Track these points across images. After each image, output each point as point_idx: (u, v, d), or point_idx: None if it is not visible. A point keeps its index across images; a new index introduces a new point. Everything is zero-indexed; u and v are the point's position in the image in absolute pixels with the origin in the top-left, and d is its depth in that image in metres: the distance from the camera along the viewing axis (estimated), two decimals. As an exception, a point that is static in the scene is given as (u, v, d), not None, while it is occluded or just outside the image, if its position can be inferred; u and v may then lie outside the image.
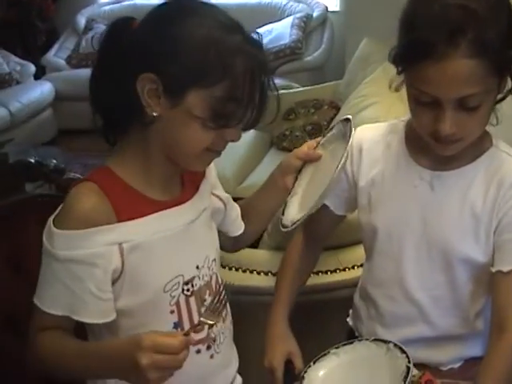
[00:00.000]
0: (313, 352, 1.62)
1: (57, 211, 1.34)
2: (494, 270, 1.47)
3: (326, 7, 6.66)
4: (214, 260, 1.49)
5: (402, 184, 1.57)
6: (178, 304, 1.39)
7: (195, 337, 1.39)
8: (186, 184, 1.45)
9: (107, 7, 7.41)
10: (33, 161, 1.86)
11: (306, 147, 1.59)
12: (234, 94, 1.27)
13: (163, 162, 1.37)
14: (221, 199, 1.58)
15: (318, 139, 1.60)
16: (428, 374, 1.52)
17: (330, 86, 4.56)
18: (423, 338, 1.61)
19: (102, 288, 1.30)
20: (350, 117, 1.55)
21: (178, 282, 1.38)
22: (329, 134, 1.59)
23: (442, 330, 1.60)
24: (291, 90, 4.72)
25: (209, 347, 1.45)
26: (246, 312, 2.17)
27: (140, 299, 1.35)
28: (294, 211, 1.55)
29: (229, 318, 1.54)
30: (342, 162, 1.45)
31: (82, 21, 7.17)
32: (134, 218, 1.32)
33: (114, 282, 1.32)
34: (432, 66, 1.33)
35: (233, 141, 1.37)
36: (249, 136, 4.39)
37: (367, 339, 1.61)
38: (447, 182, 1.52)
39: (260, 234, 1.71)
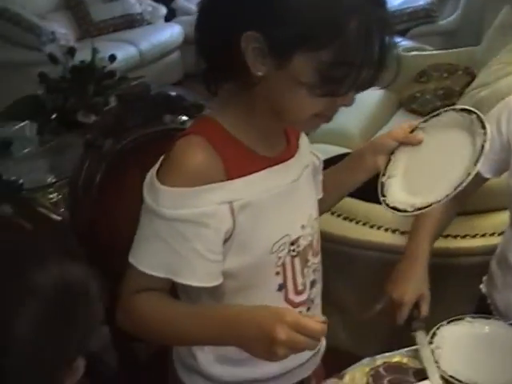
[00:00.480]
0: (440, 315, 1.58)
1: (159, 164, 1.28)
2: None
3: (465, -28, 6.44)
4: (316, 219, 1.44)
5: None
6: (283, 265, 1.34)
7: (297, 299, 1.38)
8: (290, 140, 1.38)
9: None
10: (174, 94, 1.85)
11: (402, 130, 1.50)
12: (346, 59, 1.14)
13: (268, 119, 1.27)
14: (318, 157, 1.52)
15: (415, 123, 1.51)
16: None
17: (465, 52, 4.41)
18: None
19: (212, 249, 1.24)
20: (473, 109, 1.43)
21: (285, 243, 1.32)
22: (433, 119, 1.49)
23: None
24: (424, 52, 4.60)
25: (308, 309, 1.42)
26: (370, 267, 2.16)
27: (247, 260, 1.29)
28: (402, 195, 1.45)
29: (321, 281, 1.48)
30: (479, 162, 1.34)
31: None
32: (243, 175, 1.26)
33: (224, 243, 1.27)
34: None
35: (345, 105, 1.26)
36: (377, 95, 4.32)
37: (505, 321, 1.56)
38: None
39: (328, 209, 1.64)
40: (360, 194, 2.22)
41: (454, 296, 1.95)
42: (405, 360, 1.48)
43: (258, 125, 1.28)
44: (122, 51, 5.59)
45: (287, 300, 1.37)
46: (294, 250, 1.34)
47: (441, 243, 2.06)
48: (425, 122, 1.50)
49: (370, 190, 2.25)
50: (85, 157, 1.66)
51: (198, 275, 1.24)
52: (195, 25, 1.25)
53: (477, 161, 1.33)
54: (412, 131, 1.49)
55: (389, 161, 1.50)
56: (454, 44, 5.58)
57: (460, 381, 1.38)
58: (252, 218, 1.26)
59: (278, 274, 1.34)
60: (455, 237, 2.08)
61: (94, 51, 3.82)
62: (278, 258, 1.32)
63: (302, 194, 1.39)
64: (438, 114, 1.49)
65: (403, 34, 6.02)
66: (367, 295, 2.23)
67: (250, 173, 1.27)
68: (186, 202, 1.21)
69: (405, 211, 1.40)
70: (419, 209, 1.38)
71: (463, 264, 2.06)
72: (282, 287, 1.35)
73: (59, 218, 1.55)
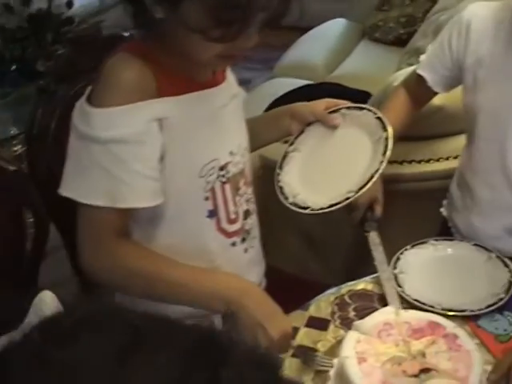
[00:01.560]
0: (402, 240, 1.60)
1: (89, 90, 1.25)
2: None
3: None
4: (246, 148, 1.43)
5: (511, 65, 1.50)
6: (213, 190, 1.33)
7: (230, 228, 1.38)
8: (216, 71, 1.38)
9: None
10: (127, 34, 1.82)
11: (325, 105, 1.51)
12: (231, 2, 1.12)
13: (182, 55, 1.26)
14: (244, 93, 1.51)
15: (340, 102, 1.52)
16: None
17: (426, -23, 4.37)
18: None
19: (150, 166, 1.23)
20: (386, 124, 1.45)
21: (214, 167, 1.32)
22: (355, 110, 1.50)
23: None
24: (386, -20, 4.56)
25: (243, 240, 1.42)
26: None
27: (177, 183, 1.28)
28: (296, 178, 1.48)
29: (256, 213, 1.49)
30: (376, 176, 1.37)
31: None
32: (173, 95, 1.25)
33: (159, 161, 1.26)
34: None
35: (247, 47, 1.22)
36: (339, 25, 4.30)
37: (468, 241, 1.58)
38: None
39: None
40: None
41: (418, 221, 1.96)
42: (369, 287, 1.50)
43: (177, 56, 1.26)
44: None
45: (220, 229, 1.36)
46: (223, 176, 1.34)
47: (407, 169, 2.08)
48: (348, 108, 1.51)
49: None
50: (38, 105, 1.64)
51: (141, 196, 1.23)
52: None
53: (372, 175, 1.37)
54: (335, 111, 1.50)
55: (302, 132, 1.52)
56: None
57: (424, 303, 1.40)
58: (181, 138, 1.26)
59: (207, 199, 1.33)
60: (419, 162, 2.08)
61: (50, -2, 3.76)
62: (206, 183, 1.31)
63: (231, 121, 1.39)
64: (361, 108, 1.50)
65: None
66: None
67: (179, 93, 1.26)
68: (118, 121, 1.19)
69: (299, 207, 1.42)
70: (302, 207, 1.41)
71: (428, 188, 2.07)
72: (213, 214, 1.35)
73: (14, 168, 1.53)
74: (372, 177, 1.37)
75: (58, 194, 1.27)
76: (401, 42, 3.84)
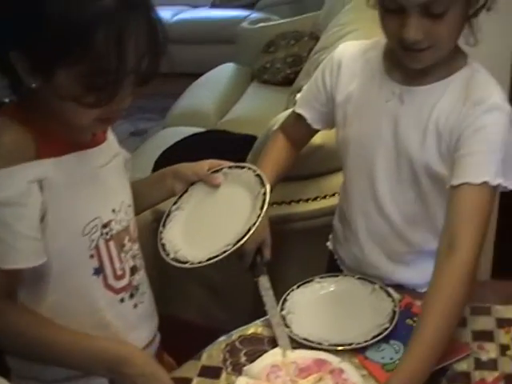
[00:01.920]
0: (294, 278, 1.63)
1: None
2: (447, 185, 1.44)
3: None
4: (130, 206, 1.45)
5: (375, 98, 1.57)
6: (97, 248, 1.33)
7: (117, 284, 1.38)
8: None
9: None
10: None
11: (208, 166, 1.56)
12: (101, 68, 1.16)
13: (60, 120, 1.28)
14: (127, 153, 1.54)
15: (223, 163, 1.57)
16: (408, 297, 1.53)
17: (309, 17, 4.51)
18: (398, 255, 1.63)
19: (31, 226, 1.23)
20: (265, 181, 1.50)
21: (96, 225, 1.33)
22: (236, 169, 1.56)
23: (415, 246, 1.61)
24: (271, 23, 4.69)
25: (132, 296, 1.43)
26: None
27: (61, 243, 1.28)
28: (178, 235, 1.51)
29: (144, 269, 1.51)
30: (253, 229, 1.41)
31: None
32: (52, 156, 1.26)
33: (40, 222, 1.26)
34: None
35: (123, 108, 1.26)
36: (229, 70, 4.37)
37: (352, 275, 1.63)
38: (417, 98, 1.51)
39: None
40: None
41: (311, 257, 2.00)
42: (259, 330, 1.51)
43: (55, 120, 1.27)
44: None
45: (107, 286, 1.37)
46: (107, 234, 1.35)
47: (295, 208, 2.12)
48: (230, 168, 1.56)
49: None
50: None
51: (23, 256, 1.23)
52: None
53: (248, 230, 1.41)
54: (217, 171, 1.55)
55: (186, 191, 1.56)
56: (302, 11, 5.70)
57: (312, 341, 1.42)
58: (62, 197, 1.27)
59: (92, 256, 1.33)
60: (307, 200, 2.13)
61: None
62: (90, 241, 1.32)
63: (113, 179, 1.41)
64: (242, 167, 1.55)
65: (251, 7, 6.10)
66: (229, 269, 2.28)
67: (59, 154, 1.27)
68: (2, 183, 1.20)
69: (179, 262, 1.44)
70: (182, 262, 1.43)
71: (317, 225, 2.11)
72: (99, 271, 1.35)
73: None
74: (249, 230, 1.40)
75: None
76: (289, 81, 3.94)
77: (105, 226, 1.34)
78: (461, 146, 1.44)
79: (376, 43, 1.62)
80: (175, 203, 1.56)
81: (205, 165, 1.58)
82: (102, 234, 1.34)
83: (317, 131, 1.77)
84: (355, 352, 1.39)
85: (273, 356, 1.37)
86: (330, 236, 1.80)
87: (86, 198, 1.32)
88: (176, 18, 6.30)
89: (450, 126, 1.46)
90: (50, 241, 1.26)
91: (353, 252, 1.68)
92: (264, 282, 1.59)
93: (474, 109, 1.44)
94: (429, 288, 1.36)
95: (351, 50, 1.65)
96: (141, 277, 1.46)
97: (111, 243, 1.36)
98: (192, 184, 1.57)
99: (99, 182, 1.36)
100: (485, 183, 1.39)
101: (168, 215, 1.55)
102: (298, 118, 1.73)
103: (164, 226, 1.53)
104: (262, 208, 1.43)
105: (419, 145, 1.51)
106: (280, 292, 1.59)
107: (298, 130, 1.77)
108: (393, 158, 1.55)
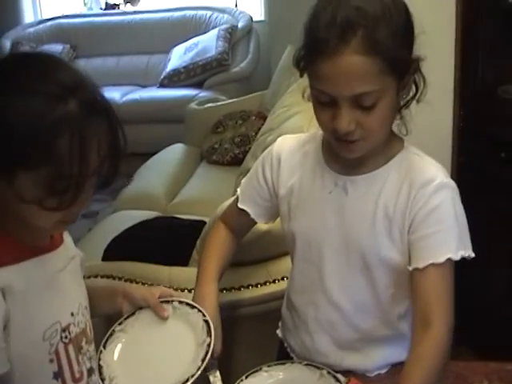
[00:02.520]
0: (246, 364, 1.63)
1: None
2: (411, 268, 1.48)
3: (251, 17, 6.70)
4: (86, 307, 1.46)
5: (318, 190, 1.59)
6: (57, 352, 1.33)
7: None
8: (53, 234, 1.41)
9: (32, 29, 7.34)
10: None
11: (159, 293, 1.60)
12: (64, 172, 1.18)
13: (19, 221, 1.28)
14: (82, 254, 1.54)
15: (174, 294, 1.62)
16: (354, 380, 1.54)
17: (256, 97, 4.59)
18: (347, 342, 1.63)
19: None
20: (212, 330, 1.52)
21: (56, 330, 1.33)
22: (187, 307, 1.59)
23: (365, 333, 1.62)
24: (218, 103, 4.76)
25: None
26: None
27: (21, 348, 1.27)
28: (117, 360, 1.53)
29: None
30: (191, 381, 1.44)
31: (7, 44, 7.09)
32: (10, 263, 1.26)
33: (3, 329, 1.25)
34: (326, 63, 1.36)
35: (83, 209, 1.30)
36: (178, 151, 4.41)
37: (300, 362, 1.64)
38: (360, 186, 1.54)
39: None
40: (162, 259, 2.27)
41: (262, 343, 2.00)
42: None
43: (13, 223, 1.28)
44: None
45: None
46: (66, 337, 1.35)
47: (244, 293, 2.13)
48: (180, 303, 1.59)
49: (171, 254, 2.30)
50: None
51: None
52: None
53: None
54: (168, 301, 1.59)
55: (133, 313, 1.58)
56: (251, 89, 5.80)
57: None
58: (21, 305, 1.26)
59: (52, 361, 1.33)
60: (256, 285, 2.14)
61: None
62: (50, 345, 1.32)
63: (70, 283, 1.41)
64: (193, 307, 1.58)
65: (199, 86, 6.18)
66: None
67: (18, 261, 1.27)
68: None
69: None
70: None
71: (267, 310, 2.12)
72: (57, 375, 1.34)
73: None
74: (187, 380, 1.43)
75: None
76: (238, 161, 3.99)
77: (64, 329, 1.35)
78: (416, 228, 1.48)
79: (313, 136, 1.67)
80: (120, 323, 1.57)
81: (156, 291, 1.60)
82: (61, 338, 1.34)
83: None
84: None
85: None
86: (280, 323, 1.81)
87: (46, 302, 1.32)
88: (125, 98, 6.34)
89: (401, 210, 1.50)
90: (12, 347, 1.25)
91: (302, 340, 1.68)
92: (215, 377, 1.58)
93: (422, 191, 1.48)
94: (407, 362, 1.43)
95: (290, 144, 1.69)
96: (96, 377, 1.46)
97: (70, 346, 1.36)
98: (141, 307, 1.58)
99: (58, 286, 1.37)
100: (448, 259, 1.45)
101: (111, 335, 1.56)
102: (240, 212, 1.75)
103: (105, 346, 1.54)
104: (203, 360, 1.46)
105: (368, 232, 1.53)
106: (232, 381, 1.59)
107: (240, 222, 1.79)
108: (341, 249, 1.57)
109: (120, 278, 2.27)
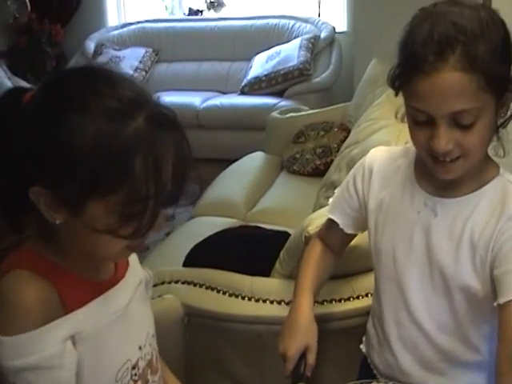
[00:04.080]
0: (328, 380, 1.61)
1: None
2: (496, 304, 1.43)
3: (334, 28, 6.67)
4: (153, 335, 1.40)
5: (406, 208, 1.57)
6: None
7: None
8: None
9: (116, 32, 7.47)
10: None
11: None
12: (140, 195, 1.09)
13: (83, 254, 1.22)
14: (148, 272, 1.47)
15: None
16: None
17: (339, 108, 4.56)
18: (431, 363, 1.60)
19: None
20: None
21: (127, 368, 1.27)
22: None
23: (448, 355, 1.58)
24: (300, 113, 4.73)
25: None
26: (262, 341, 2.17)
27: None
28: None
29: None
30: None
31: (91, 45, 7.23)
32: (80, 306, 1.19)
33: None
34: (423, 80, 1.34)
35: (157, 231, 1.19)
36: (258, 159, 4.41)
37: (386, 382, 1.60)
38: (450, 210, 1.51)
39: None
40: (244, 269, 2.26)
41: (343, 358, 1.98)
42: None
43: (77, 257, 1.22)
44: None
45: None
46: (135, 374, 1.30)
47: (328, 308, 2.10)
48: None
49: (254, 264, 2.30)
50: None
51: None
52: None
53: None
54: None
55: None
56: (331, 100, 5.78)
57: None
58: (93, 349, 1.20)
59: None
60: (340, 300, 2.11)
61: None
62: None
63: (138, 314, 1.35)
64: None
65: (280, 95, 6.18)
66: (264, 367, 2.25)
67: (86, 302, 1.21)
68: (30, 348, 1.11)
69: None
70: None
71: (350, 325, 2.10)
72: None
73: None
74: None
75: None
76: (319, 172, 3.97)
77: (134, 367, 1.30)
78: (501, 262, 1.44)
79: (406, 150, 1.64)
80: None
81: None
82: (131, 376, 1.29)
83: (353, 236, 1.79)
84: None
85: None
86: (364, 339, 1.79)
87: (117, 342, 1.27)
88: (205, 104, 6.38)
89: (486, 240, 1.46)
90: None
91: (386, 358, 1.66)
92: None
93: (509, 224, 1.44)
94: None
95: (382, 156, 1.67)
96: None
97: (138, 383, 1.31)
98: None
99: (126, 321, 1.30)
100: None
101: None
102: (331, 223, 1.75)
103: None
104: None
105: (452, 257, 1.50)
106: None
107: (332, 235, 1.78)
108: (425, 269, 1.55)
109: (201, 286, 2.27)
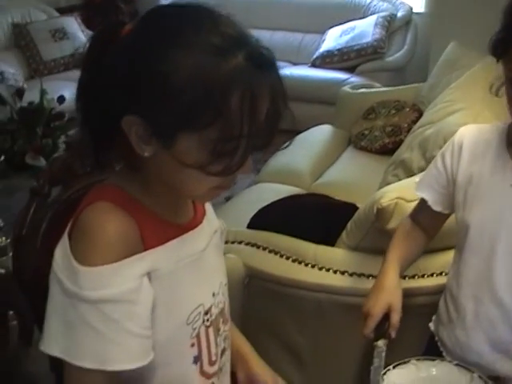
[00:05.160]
0: (394, 357, 1.60)
1: (67, 238, 1.17)
2: None
3: (411, 8, 6.57)
4: (226, 284, 1.41)
5: (497, 183, 1.57)
6: (198, 336, 1.28)
7: (210, 370, 1.34)
8: (197, 205, 1.34)
9: (190, -5, 7.41)
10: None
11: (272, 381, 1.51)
12: (233, 133, 1.08)
13: (167, 192, 1.22)
14: (223, 223, 1.47)
15: None
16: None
17: (411, 88, 4.48)
18: (504, 344, 1.60)
19: (142, 325, 1.16)
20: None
21: (200, 313, 1.27)
22: None
23: None
24: (372, 90, 4.67)
25: (218, 379, 1.38)
26: (322, 309, 2.17)
27: (164, 333, 1.22)
28: None
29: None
30: None
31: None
32: (158, 244, 1.20)
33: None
34: None
35: (244, 173, 1.18)
36: (326, 132, 4.37)
37: (450, 361, 1.59)
38: None
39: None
40: (309, 236, 2.25)
41: (407, 336, 1.96)
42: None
43: (159, 194, 1.23)
44: (72, 91, 5.51)
45: (202, 372, 1.32)
46: (207, 320, 1.30)
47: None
48: None
49: (319, 232, 2.28)
50: (30, 205, 1.64)
51: (132, 356, 1.15)
52: (76, 95, 1.21)
53: None
54: None
55: None
56: (403, 80, 5.70)
57: None
58: (167, 288, 1.21)
59: (193, 345, 1.29)
60: (404, 277, 2.09)
61: (43, 92, 3.81)
62: (193, 330, 1.27)
63: (212, 261, 1.36)
64: None
65: (351, 70, 6.12)
66: (319, 336, 2.24)
67: (164, 241, 1.21)
68: (108, 280, 1.11)
69: None
70: None
71: (413, 304, 2.07)
72: (197, 359, 1.30)
73: (3, 271, 1.52)
74: None
75: (43, 299, 1.25)
76: (386, 150, 3.92)
77: (206, 312, 1.30)
78: None
79: (496, 127, 1.64)
80: None
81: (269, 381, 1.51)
82: (203, 321, 1.29)
83: (443, 217, 1.77)
84: None
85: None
86: (434, 317, 1.77)
87: (191, 285, 1.27)
88: (276, 73, 6.33)
89: None
90: (156, 332, 1.20)
91: (456, 336, 1.65)
92: (381, 346, 1.60)
93: None
94: None
95: (472, 133, 1.67)
96: (226, 357, 1.42)
97: (210, 329, 1.32)
98: None
99: (201, 266, 1.30)
100: None
101: None
102: (420, 202, 1.77)
103: None
104: None
105: None
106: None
107: (422, 214, 1.79)
108: None
109: (265, 248, 2.27)
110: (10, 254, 2.32)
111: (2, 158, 3.63)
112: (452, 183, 1.66)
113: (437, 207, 1.73)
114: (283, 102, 1.16)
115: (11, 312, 1.83)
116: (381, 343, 1.60)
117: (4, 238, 3.08)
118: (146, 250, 1.17)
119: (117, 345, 1.13)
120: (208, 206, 1.39)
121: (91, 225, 1.15)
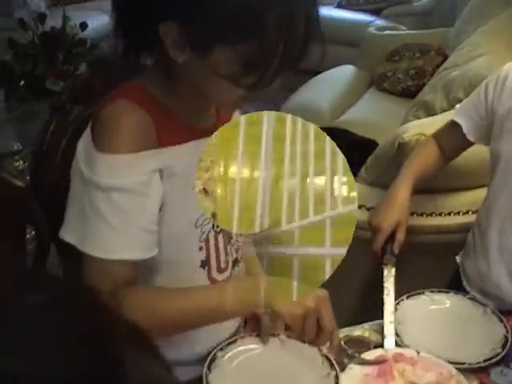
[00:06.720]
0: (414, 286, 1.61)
1: (90, 130, 1.22)
2: None
3: (442, -48, 6.43)
4: None
5: None
6: (207, 240, 1.31)
7: (220, 277, 1.36)
8: (221, 112, 1.36)
9: None
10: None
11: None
12: (269, 48, 1.10)
13: (194, 97, 1.24)
14: None
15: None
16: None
17: (438, 32, 4.42)
18: None
19: (150, 219, 1.20)
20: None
21: (208, 218, 1.28)
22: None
23: None
24: (397, 32, 4.63)
25: None
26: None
27: (172, 232, 1.25)
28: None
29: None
30: None
31: None
32: (173, 144, 1.22)
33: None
34: None
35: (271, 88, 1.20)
36: (349, 72, 4.33)
37: (464, 295, 1.60)
38: None
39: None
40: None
41: (430, 273, 1.96)
42: (366, 334, 1.48)
43: (185, 98, 1.25)
44: (95, 20, 5.50)
45: (210, 278, 1.35)
46: (218, 226, 1.30)
47: (423, 221, 2.08)
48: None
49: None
50: (50, 121, 1.63)
51: (136, 248, 1.19)
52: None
53: None
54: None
55: (234, 341, 1.38)
56: (428, 25, 5.60)
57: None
58: (178, 188, 1.23)
59: (201, 249, 1.31)
60: (421, 214, 2.08)
61: (65, 18, 3.77)
62: (201, 233, 1.30)
63: None
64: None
65: (377, 13, 6.03)
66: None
67: (180, 142, 1.24)
68: (122, 170, 1.16)
69: None
70: None
71: (444, 241, 2.08)
72: (204, 264, 1.33)
73: (22, 184, 1.52)
74: None
75: (61, 213, 1.26)
76: (409, 93, 3.89)
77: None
78: None
79: None
80: (221, 349, 1.35)
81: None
82: (213, 227, 1.31)
83: (468, 144, 1.77)
84: (473, 372, 1.36)
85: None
86: (462, 252, 1.80)
87: None
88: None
89: None
90: (164, 230, 1.23)
91: (479, 267, 1.67)
92: (390, 271, 1.61)
93: None
94: None
95: None
96: (240, 268, 1.43)
97: (220, 236, 1.34)
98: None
99: None
100: None
101: (213, 360, 1.33)
102: (454, 126, 1.75)
103: (209, 369, 1.31)
104: None
105: None
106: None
107: (451, 138, 1.79)
108: None
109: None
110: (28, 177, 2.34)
111: (22, 82, 3.61)
112: (491, 114, 1.66)
113: (470, 136, 1.73)
114: (317, 26, 1.17)
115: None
116: (389, 268, 1.61)
117: (22, 162, 3.10)
118: (161, 147, 1.21)
119: (122, 234, 1.17)
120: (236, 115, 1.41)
121: (109, 118, 1.19)
